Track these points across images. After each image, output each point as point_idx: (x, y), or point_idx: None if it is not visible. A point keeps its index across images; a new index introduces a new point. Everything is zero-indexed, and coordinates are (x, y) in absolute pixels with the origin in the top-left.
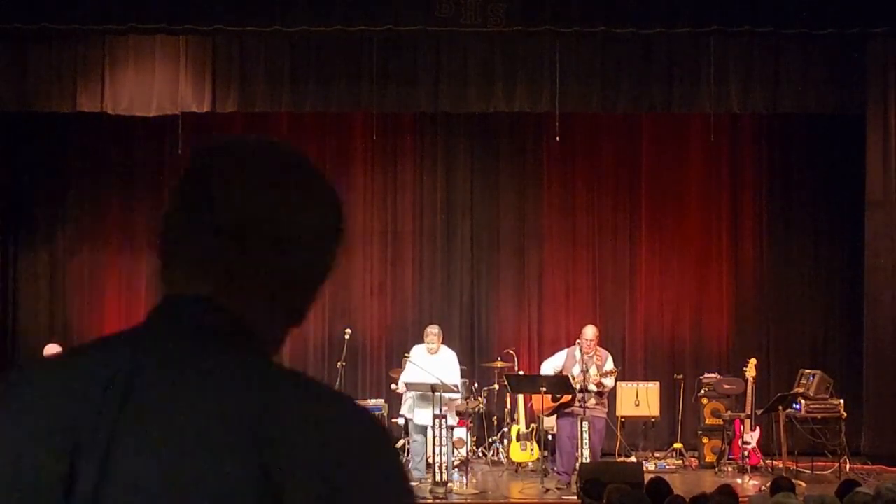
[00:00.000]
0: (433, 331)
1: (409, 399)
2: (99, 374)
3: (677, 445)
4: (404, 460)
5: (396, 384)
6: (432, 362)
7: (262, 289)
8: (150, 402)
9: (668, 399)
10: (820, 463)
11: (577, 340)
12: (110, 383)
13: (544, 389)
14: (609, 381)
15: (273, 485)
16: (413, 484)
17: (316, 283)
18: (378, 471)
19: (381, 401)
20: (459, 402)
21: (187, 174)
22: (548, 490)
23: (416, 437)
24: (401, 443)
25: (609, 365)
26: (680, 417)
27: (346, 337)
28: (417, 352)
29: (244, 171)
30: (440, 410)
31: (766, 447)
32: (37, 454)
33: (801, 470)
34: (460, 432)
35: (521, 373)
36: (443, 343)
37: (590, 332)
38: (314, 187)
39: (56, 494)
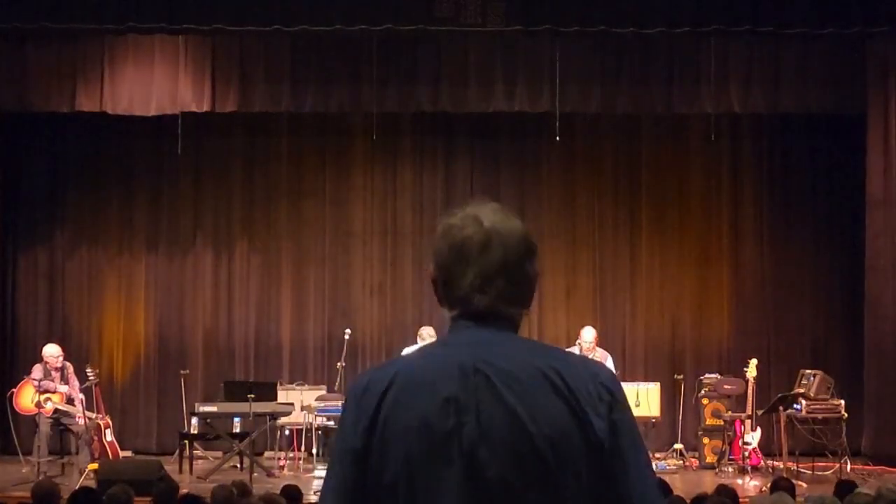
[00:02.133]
0: (431, 332)
1: None
2: (455, 361)
3: (678, 446)
4: None
5: None
6: None
7: (514, 297)
8: (485, 372)
9: (668, 399)
10: (821, 463)
11: (578, 342)
12: (462, 365)
13: None
14: None
15: (575, 405)
16: None
17: (535, 286)
18: (621, 392)
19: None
20: None
21: (465, 240)
22: None
23: None
24: None
25: (609, 367)
26: (680, 418)
27: (346, 337)
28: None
29: (498, 237)
30: None
31: (767, 447)
32: (438, 415)
33: (802, 470)
34: None
35: None
36: None
37: (589, 334)
38: (525, 231)
39: (453, 439)
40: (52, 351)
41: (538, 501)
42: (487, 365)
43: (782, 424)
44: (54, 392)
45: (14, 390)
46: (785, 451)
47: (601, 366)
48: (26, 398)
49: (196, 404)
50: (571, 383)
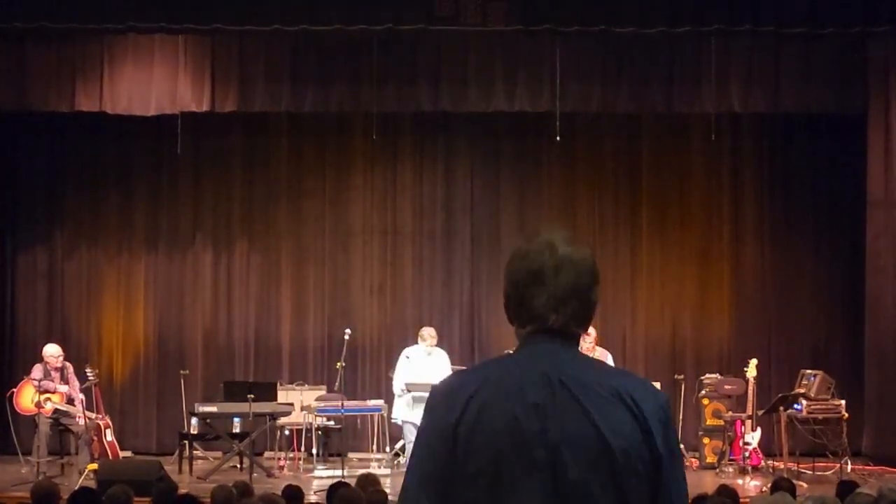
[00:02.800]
0: (431, 332)
1: (404, 399)
2: (539, 370)
3: None
4: (402, 462)
5: (394, 387)
6: (429, 363)
7: (582, 318)
8: (567, 384)
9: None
10: (821, 464)
11: None
12: (546, 376)
13: None
14: None
15: (643, 422)
16: None
17: (595, 310)
18: (670, 408)
19: (380, 401)
20: None
21: (542, 265)
22: None
23: (412, 439)
24: (400, 444)
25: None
26: (681, 418)
27: (346, 337)
28: (416, 352)
29: (571, 263)
30: None
31: (768, 448)
32: (526, 418)
33: (803, 471)
34: None
35: None
36: (436, 343)
37: (589, 333)
38: (593, 260)
39: (538, 441)
40: (51, 351)
41: (610, 502)
42: (569, 378)
43: (783, 425)
44: (54, 392)
45: (14, 390)
46: (785, 451)
47: (658, 389)
48: (26, 398)
49: (196, 404)
50: (640, 402)
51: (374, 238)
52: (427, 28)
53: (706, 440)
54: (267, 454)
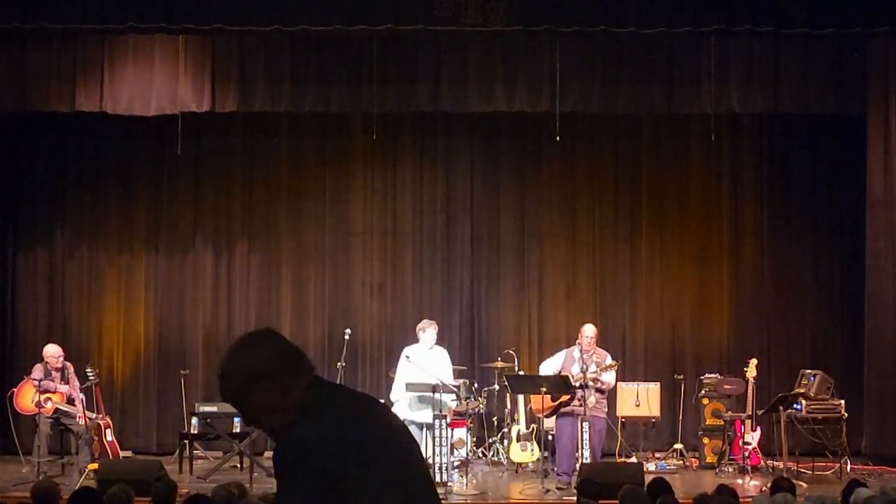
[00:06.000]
0: (430, 324)
1: (405, 399)
2: (369, 399)
3: (678, 446)
4: None
5: (391, 393)
6: (430, 361)
7: None
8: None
9: (668, 399)
10: (821, 463)
11: (578, 341)
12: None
13: (544, 389)
14: (610, 377)
15: None
16: None
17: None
18: None
19: (380, 401)
20: (453, 401)
21: (286, 346)
22: (548, 491)
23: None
24: None
25: (608, 361)
26: (680, 418)
27: (346, 337)
28: (416, 351)
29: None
30: (441, 410)
31: (767, 447)
32: (400, 436)
33: (802, 470)
34: (460, 433)
35: (521, 373)
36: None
37: (589, 330)
38: None
39: (408, 446)
40: (52, 351)
41: None
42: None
43: (782, 424)
44: (54, 392)
45: (14, 390)
46: (785, 451)
47: None
48: (26, 398)
49: (196, 404)
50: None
51: (374, 238)
52: (427, 28)
53: (706, 440)
54: (267, 454)
